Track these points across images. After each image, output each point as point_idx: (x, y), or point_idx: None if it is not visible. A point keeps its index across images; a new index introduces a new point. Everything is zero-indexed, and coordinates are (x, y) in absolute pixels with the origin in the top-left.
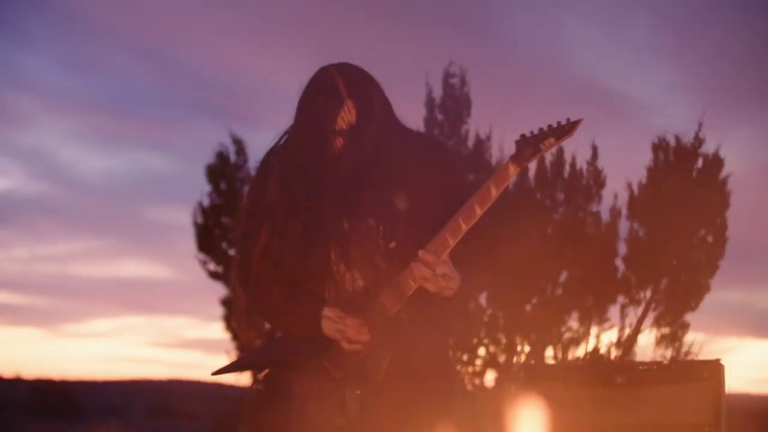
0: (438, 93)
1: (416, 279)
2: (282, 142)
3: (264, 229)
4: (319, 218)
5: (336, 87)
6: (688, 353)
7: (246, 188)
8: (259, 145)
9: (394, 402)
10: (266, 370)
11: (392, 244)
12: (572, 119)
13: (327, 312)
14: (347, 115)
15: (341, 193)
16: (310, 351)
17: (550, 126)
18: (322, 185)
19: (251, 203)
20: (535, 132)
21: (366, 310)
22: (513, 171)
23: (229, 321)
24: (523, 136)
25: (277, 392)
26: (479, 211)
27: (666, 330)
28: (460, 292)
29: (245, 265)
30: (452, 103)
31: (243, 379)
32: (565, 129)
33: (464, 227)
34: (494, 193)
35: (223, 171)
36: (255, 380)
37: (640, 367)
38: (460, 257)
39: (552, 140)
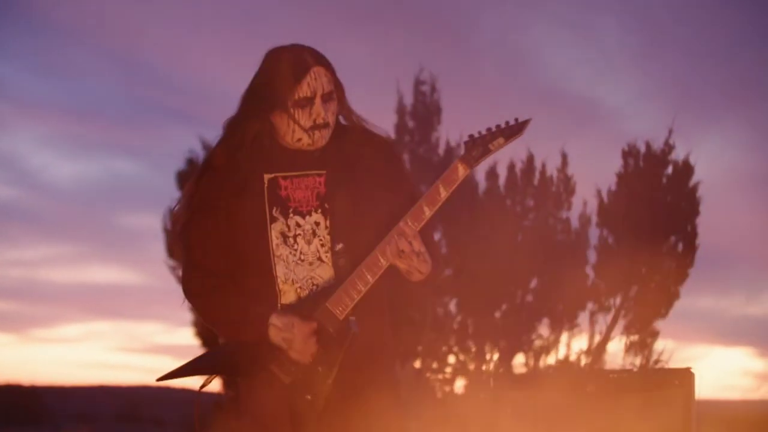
0: (409, 100)
1: (392, 253)
2: (230, 130)
3: (206, 230)
4: (260, 213)
5: (302, 54)
6: (657, 361)
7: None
8: None
9: (340, 407)
10: (213, 377)
11: (339, 246)
12: (521, 119)
13: (274, 320)
14: (314, 82)
15: (292, 186)
16: (257, 353)
17: (498, 126)
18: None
19: (196, 206)
20: (484, 132)
21: (314, 317)
22: (462, 172)
23: (199, 327)
24: (471, 136)
25: (236, 400)
26: (428, 213)
27: (636, 337)
28: (427, 280)
29: (188, 270)
30: (423, 110)
31: (213, 385)
32: (514, 129)
33: (413, 228)
34: (443, 194)
35: None
36: (226, 387)
37: (611, 375)
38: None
39: (501, 140)
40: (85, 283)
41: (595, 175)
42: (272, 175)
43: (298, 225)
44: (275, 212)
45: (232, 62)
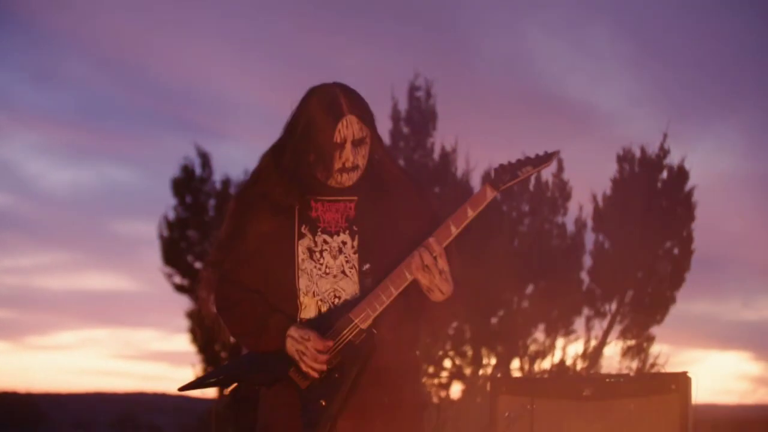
0: (404, 105)
1: (416, 267)
2: (268, 158)
3: (239, 246)
4: (293, 234)
5: (338, 101)
6: (654, 365)
7: (227, 204)
8: (224, 158)
9: (361, 419)
10: (233, 385)
11: (366, 266)
12: (550, 151)
13: (292, 331)
14: (345, 130)
15: (321, 209)
16: (276, 362)
17: (528, 156)
18: (310, 193)
19: (230, 221)
20: (514, 161)
21: (333, 329)
22: (490, 194)
23: (195, 333)
24: (501, 164)
25: (242, 406)
26: (455, 231)
27: (632, 342)
28: (449, 302)
29: (218, 283)
30: (418, 116)
31: (209, 392)
32: (543, 159)
33: (439, 245)
34: (470, 213)
35: (188, 184)
36: (222, 393)
37: (607, 380)
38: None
39: (530, 168)
40: (80, 290)
41: (590, 180)
42: (305, 198)
43: (325, 242)
44: (304, 229)
45: (227, 70)
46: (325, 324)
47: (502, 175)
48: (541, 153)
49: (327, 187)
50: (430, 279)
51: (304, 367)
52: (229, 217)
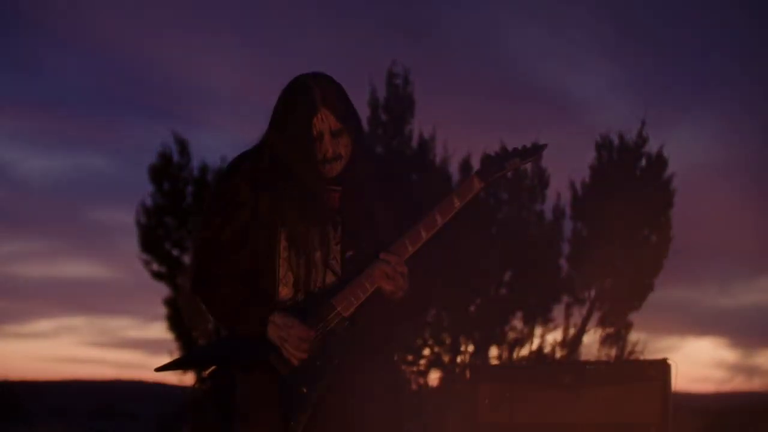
0: (382, 93)
1: (376, 278)
2: (254, 148)
3: (223, 231)
4: (276, 223)
5: (311, 95)
6: (632, 352)
7: (210, 189)
8: (202, 145)
9: (338, 409)
10: (211, 368)
11: (349, 253)
12: (538, 143)
13: (275, 317)
14: (321, 124)
15: (305, 198)
16: (257, 347)
17: (516, 148)
18: (291, 190)
19: (215, 205)
20: (501, 153)
21: (316, 315)
22: (477, 185)
23: (173, 321)
24: (489, 155)
25: (220, 391)
26: (440, 221)
27: (611, 329)
28: (410, 298)
29: (200, 264)
30: (396, 103)
31: (187, 378)
32: (530, 152)
33: (425, 236)
34: (457, 204)
35: (166, 171)
36: (199, 379)
37: (587, 367)
38: (415, 268)
39: (517, 160)
40: (57, 278)
41: (568, 168)
42: (291, 189)
43: (308, 231)
44: (286, 219)
45: (203, 58)
46: (307, 310)
47: (490, 167)
48: (528, 145)
49: (311, 178)
50: (394, 284)
51: (285, 354)
52: (211, 203)
